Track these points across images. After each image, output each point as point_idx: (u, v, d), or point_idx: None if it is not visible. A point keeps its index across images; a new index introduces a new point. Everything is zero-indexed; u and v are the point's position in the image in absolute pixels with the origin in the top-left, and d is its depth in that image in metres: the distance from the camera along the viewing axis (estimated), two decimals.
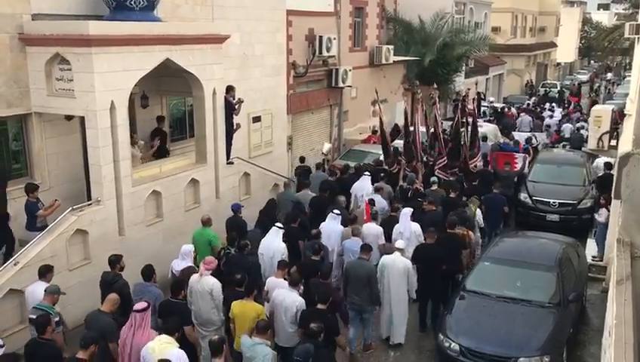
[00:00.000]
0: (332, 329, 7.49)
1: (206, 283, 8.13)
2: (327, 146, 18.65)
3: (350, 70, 20.09)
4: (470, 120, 16.35)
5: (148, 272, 8.31)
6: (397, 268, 9.22)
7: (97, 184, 9.90)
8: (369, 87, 22.71)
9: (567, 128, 25.58)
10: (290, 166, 17.79)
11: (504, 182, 14.52)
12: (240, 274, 8.20)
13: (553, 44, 54.99)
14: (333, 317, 7.95)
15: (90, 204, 9.85)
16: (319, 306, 7.69)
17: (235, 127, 13.15)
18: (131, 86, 10.21)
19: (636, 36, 13.86)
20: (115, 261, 8.42)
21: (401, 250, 9.50)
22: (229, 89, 12.81)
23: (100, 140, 9.66)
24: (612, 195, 10.09)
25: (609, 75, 58.70)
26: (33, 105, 10.08)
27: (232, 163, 13.10)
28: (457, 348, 8.35)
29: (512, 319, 8.65)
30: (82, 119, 10.03)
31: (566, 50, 58.79)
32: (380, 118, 16.23)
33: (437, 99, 16.51)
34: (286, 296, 7.93)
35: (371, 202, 11.77)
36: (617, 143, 14.18)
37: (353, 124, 22.04)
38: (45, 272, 8.01)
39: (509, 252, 10.33)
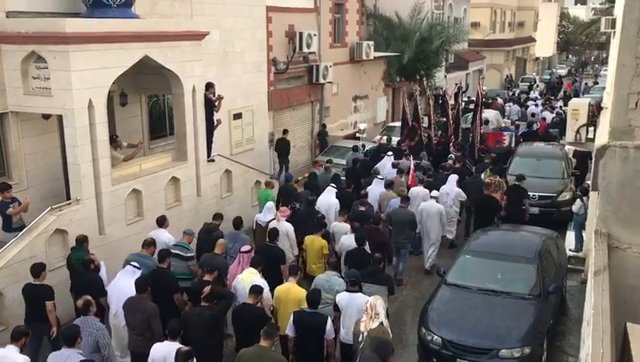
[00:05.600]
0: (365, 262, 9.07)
1: (283, 227, 10.27)
2: (363, 126, 21.84)
3: (331, 66, 20.09)
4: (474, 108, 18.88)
5: (238, 222, 10.30)
6: (433, 211, 11.90)
7: (76, 183, 9.79)
8: (350, 83, 22.77)
9: (548, 116, 26.64)
10: (273, 162, 17.75)
11: (496, 156, 17.03)
12: (321, 214, 11.24)
13: (532, 39, 55.46)
14: (384, 253, 9.87)
15: (70, 204, 9.75)
16: (362, 247, 9.63)
17: (215, 123, 13.10)
18: (109, 84, 10.11)
19: (612, 30, 14.03)
20: (218, 216, 10.66)
21: (435, 198, 12.21)
22: (209, 86, 12.72)
23: (79, 139, 9.55)
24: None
25: (588, 69, 59.35)
26: (9, 104, 9.96)
27: (214, 160, 13.03)
28: (440, 340, 8.39)
29: (494, 311, 8.71)
30: (60, 118, 9.93)
31: (544, 44, 59.32)
32: (403, 102, 18.87)
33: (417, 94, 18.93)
34: (346, 240, 10.13)
35: (418, 168, 14.78)
36: (594, 136, 14.36)
37: (334, 120, 22.05)
38: (162, 221, 9.94)
39: (489, 245, 10.40)
